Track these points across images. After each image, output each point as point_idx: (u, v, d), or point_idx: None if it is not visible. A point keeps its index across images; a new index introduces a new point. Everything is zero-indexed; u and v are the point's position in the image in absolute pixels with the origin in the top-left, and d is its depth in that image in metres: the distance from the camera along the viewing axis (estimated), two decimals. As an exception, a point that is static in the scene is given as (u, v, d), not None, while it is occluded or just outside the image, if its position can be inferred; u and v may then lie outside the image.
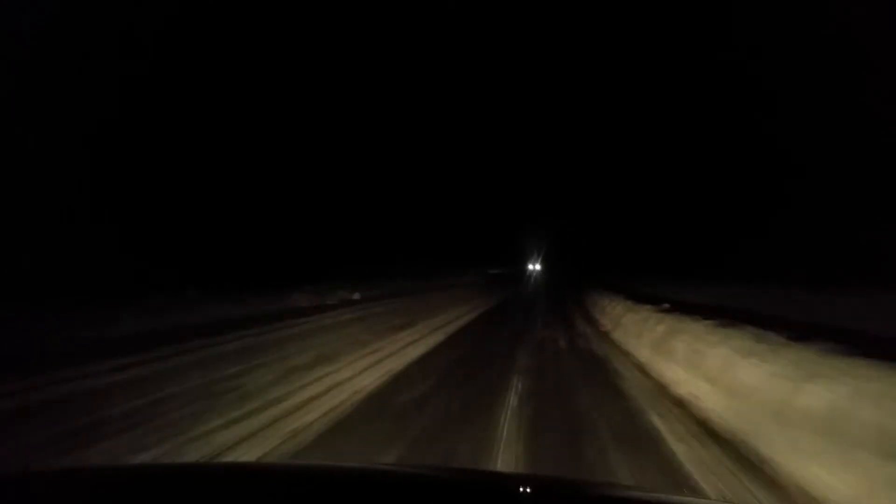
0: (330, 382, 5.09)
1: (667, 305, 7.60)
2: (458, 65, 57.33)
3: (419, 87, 48.54)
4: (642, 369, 5.82)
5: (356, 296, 14.41)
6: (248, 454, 3.17)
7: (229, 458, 3.11)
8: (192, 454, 3.14)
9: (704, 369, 4.44)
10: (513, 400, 4.56)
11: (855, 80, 32.82)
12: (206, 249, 17.63)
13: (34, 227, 13.15)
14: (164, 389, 4.51)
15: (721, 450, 3.29)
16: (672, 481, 2.81)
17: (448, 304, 14.05)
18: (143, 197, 17.22)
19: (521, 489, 1.27)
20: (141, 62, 20.40)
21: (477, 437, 3.53)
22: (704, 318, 5.59)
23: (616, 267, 53.03)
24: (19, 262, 11.29)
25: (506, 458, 3.15)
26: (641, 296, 10.52)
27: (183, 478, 1.27)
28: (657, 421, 3.93)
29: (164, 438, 3.37)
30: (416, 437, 3.52)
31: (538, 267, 48.01)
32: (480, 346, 7.93)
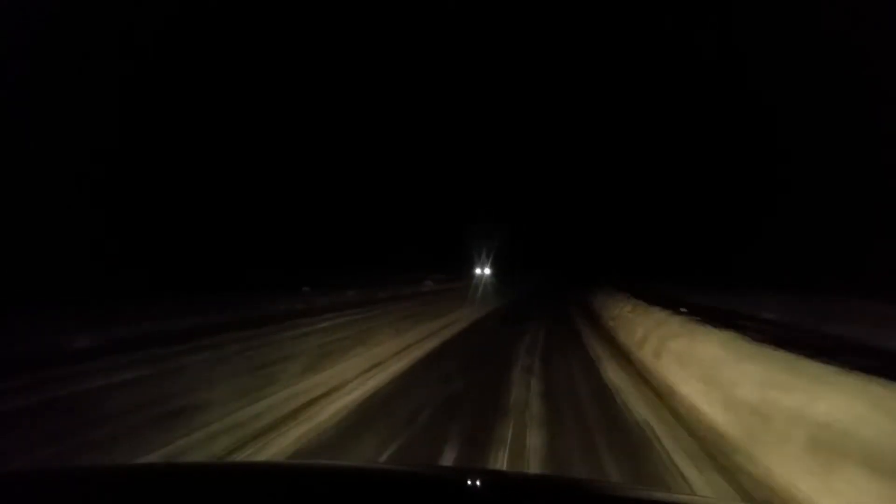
0: None
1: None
2: (395, 56, 56.29)
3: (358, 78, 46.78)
4: None
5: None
6: None
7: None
8: None
9: None
10: None
11: (853, 88, 33.00)
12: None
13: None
14: None
15: None
16: None
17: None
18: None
19: (521, 489, 1.25)
20: (130, 62, 20.33)
21: None
22: None
23: (586, 268, 51.48)
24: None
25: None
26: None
27: (183, 478, 1.22)
28: None
29: None
30: None
31: (488, 271, 40.72)
32: None
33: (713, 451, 3.51)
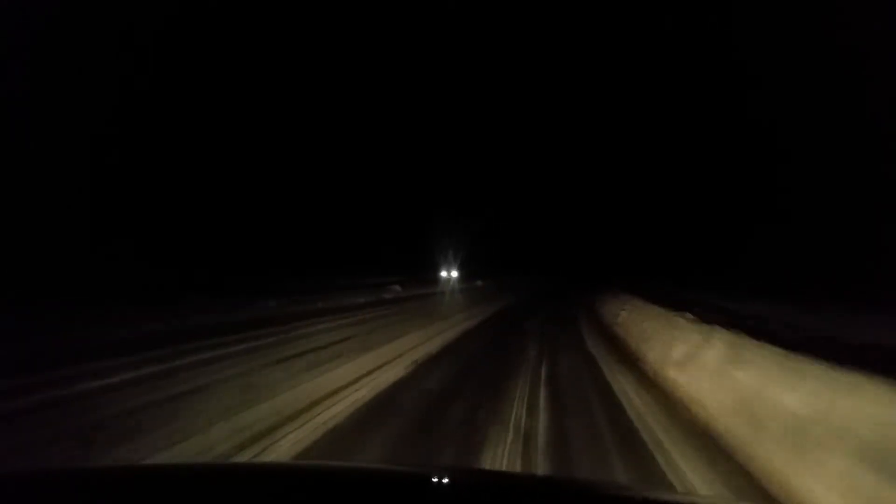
0: None
1: None
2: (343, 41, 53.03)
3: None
4: None
5: None
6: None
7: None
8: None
9: None
10: None
11: (853, 90, 31.02)
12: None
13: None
14: None
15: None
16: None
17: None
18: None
19: (522, 489, 1.26)
20: (129, 61, 20.53)
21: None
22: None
23: (585, 271, 48.30)
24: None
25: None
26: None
27: (183, 478, 1.23)
28: None
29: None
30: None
31: (455, 274, 35.06)
32: None
33: None
